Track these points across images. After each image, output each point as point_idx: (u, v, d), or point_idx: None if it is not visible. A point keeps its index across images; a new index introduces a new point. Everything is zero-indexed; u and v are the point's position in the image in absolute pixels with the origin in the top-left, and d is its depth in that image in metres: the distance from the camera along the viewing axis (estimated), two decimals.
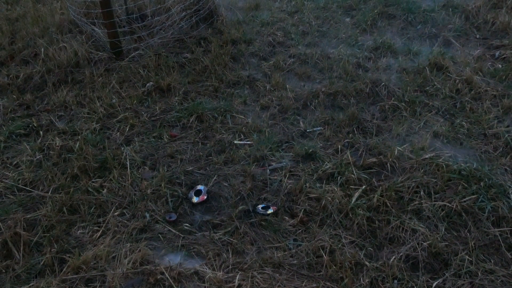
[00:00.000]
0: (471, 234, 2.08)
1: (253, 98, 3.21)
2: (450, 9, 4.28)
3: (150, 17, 3.97)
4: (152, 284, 1.86)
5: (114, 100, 3.17)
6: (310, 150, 2.60)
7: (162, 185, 2.39)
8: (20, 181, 2.47)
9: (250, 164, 2.53)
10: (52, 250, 2.05)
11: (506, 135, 2.68)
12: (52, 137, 2.82)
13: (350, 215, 2.18)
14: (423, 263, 1.96)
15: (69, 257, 1.99)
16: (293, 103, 3.09)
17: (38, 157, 2.65)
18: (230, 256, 2.00)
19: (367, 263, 1.96)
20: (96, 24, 3.88)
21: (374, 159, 2.51)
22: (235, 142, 2.74)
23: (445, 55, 3.55)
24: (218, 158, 2.59)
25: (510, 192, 2.24)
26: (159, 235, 2.13)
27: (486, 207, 2.17)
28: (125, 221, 2.20)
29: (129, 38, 3.81)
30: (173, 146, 2.71)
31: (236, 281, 1.85)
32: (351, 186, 2.34)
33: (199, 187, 2.37)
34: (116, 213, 2.25)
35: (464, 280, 1.88)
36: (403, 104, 3.01)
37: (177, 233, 2.14)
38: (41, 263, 1.99)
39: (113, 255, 2.00)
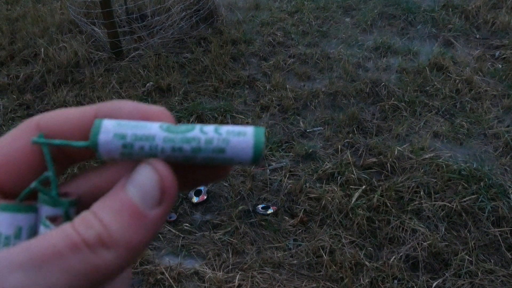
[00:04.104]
0: (471, 234, 2.08)
1: (253, 98, 3.21)
2: (450, 9, 4.28)
3: (150, 17, 3.97)
4: (152, 284, 1.86)
5: None
6: (310, 150, 2.60)
7: None
8: None
9: None
10: None
11: (506, 135, 2.68)
12: None
13: (350, 215, 2.18)
14: (423, 263, 1.96)
15: None
16: (293, 103, 3.09)
17: None
18: (230, 256, 2.00)
19: (367, 263, 1.96)
20: (96, 24, 3.88)
21: (374, 159, 2.51)
22: None
23: (445, 55, 3.55)
24: None
25: (510, 192, 2.24)
26: (159, 235, 2.13)
27: (486, 207, 2.17)
28: None
29: (129, 38, 3.81)
30: None
31: (236, 281, 1.85)
32: (351, 186, 2.34)
33: (199, 187, 2.37)
34: None
35: (464, 280, 1.88)
36: (403, 104, 3.01)
37: (177, 233, 2.14)
38: None
39: None
